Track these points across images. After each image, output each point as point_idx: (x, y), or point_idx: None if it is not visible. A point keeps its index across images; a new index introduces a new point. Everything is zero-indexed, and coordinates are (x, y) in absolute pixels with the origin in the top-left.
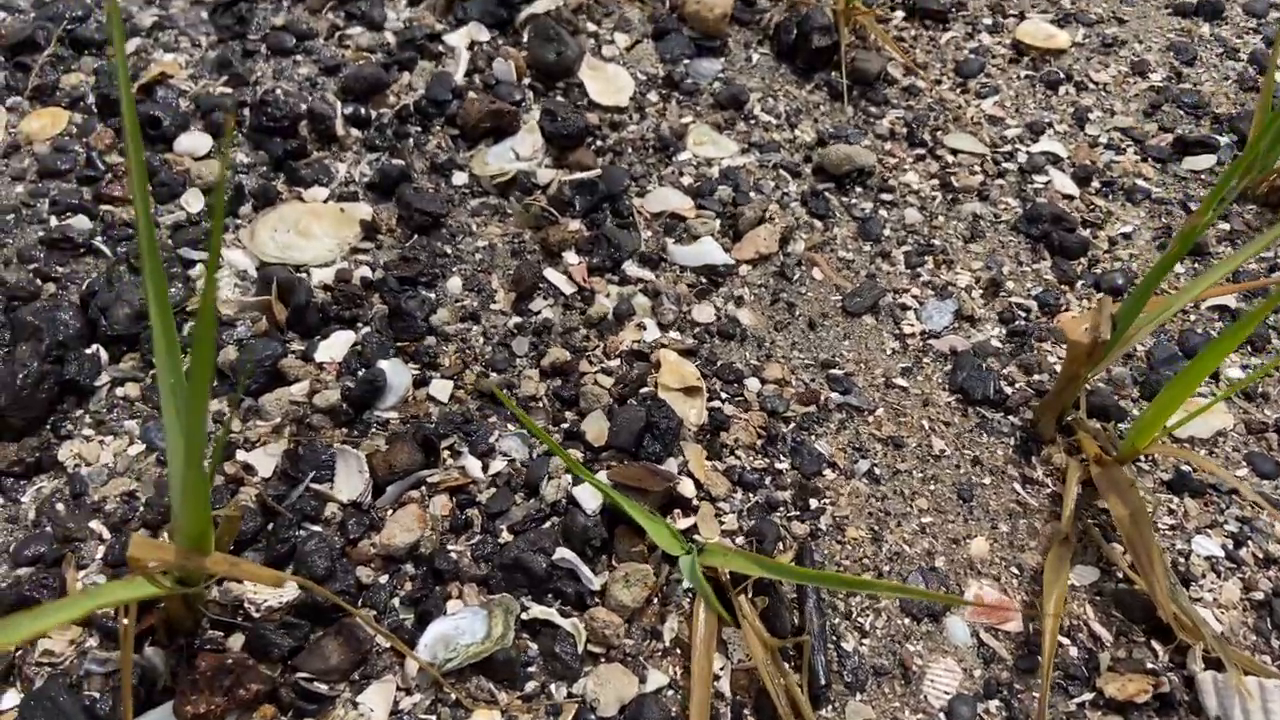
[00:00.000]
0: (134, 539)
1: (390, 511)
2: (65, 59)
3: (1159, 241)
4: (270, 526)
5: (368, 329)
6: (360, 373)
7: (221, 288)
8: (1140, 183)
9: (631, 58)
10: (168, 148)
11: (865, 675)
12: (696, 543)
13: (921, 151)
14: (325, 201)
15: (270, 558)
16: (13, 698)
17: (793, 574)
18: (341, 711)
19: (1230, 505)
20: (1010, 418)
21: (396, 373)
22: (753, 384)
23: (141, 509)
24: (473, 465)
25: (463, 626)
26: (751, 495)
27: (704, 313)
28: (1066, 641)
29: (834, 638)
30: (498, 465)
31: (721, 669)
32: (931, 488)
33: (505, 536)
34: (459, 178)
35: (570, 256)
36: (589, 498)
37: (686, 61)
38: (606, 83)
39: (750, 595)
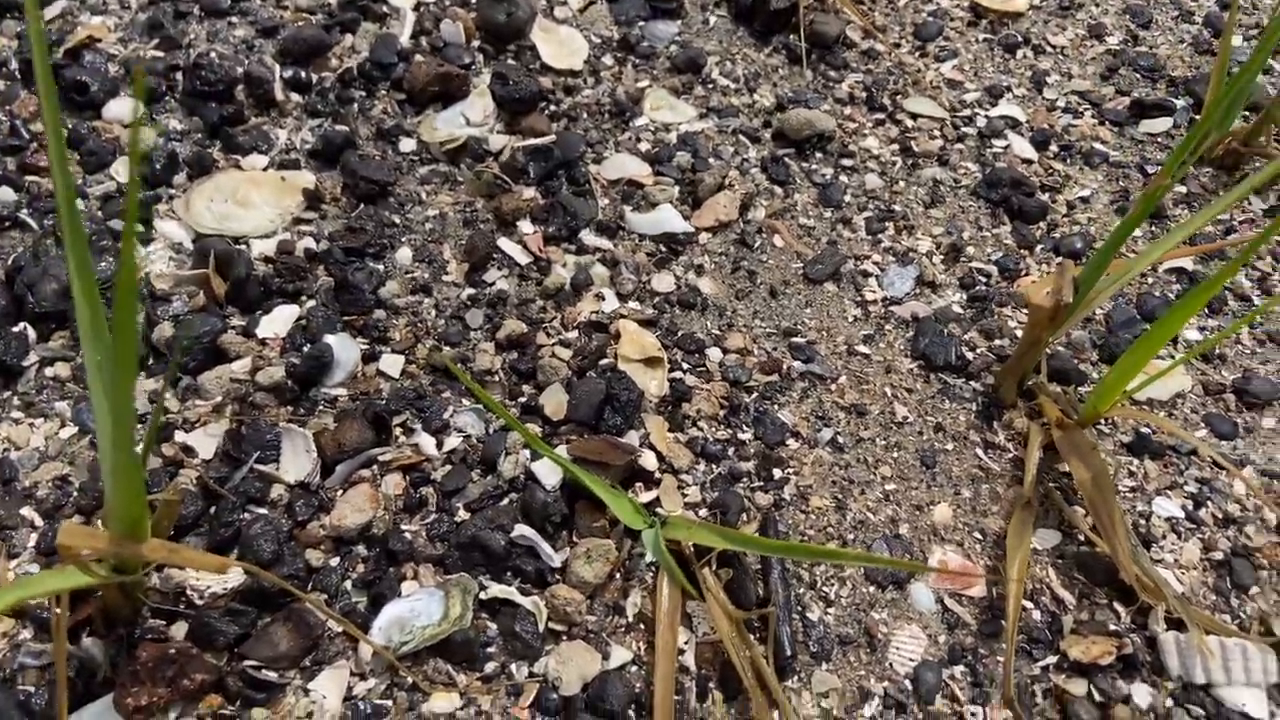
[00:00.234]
0: (64, 526)
1: (340, 492)
2: None
3: (1116, 205)
4: (213, 510)
5: (313, 303)
6: (305, 348)
7: (155, 261)
8: (1098, 146)
9: (585, 19)
10: (96, 115)
11: (830, 644)
12: (659, 516)
13: (881, 116)
14: (265, 170)
15: (213, 543)
16: None
17: (757, 545)
18: (292, 699)
19: (1189, 466)
20: (972, 383)
21: (344, 348)
22: (714, 354)
23: (75, 494)
24: (427, 442)
25: (418, 608)
26: (714, 466)
27: (664, 282)
28: (1030, 605)
29: (799, 608)
30: (453, 442)
31: (686, 643)
32: (895, 455)
33: (462, 515)
34: (407, 144)
35: (525, 225)
36: (548, 473)
37: (642, 24)
38: (560, 45)
39: (714, 568)
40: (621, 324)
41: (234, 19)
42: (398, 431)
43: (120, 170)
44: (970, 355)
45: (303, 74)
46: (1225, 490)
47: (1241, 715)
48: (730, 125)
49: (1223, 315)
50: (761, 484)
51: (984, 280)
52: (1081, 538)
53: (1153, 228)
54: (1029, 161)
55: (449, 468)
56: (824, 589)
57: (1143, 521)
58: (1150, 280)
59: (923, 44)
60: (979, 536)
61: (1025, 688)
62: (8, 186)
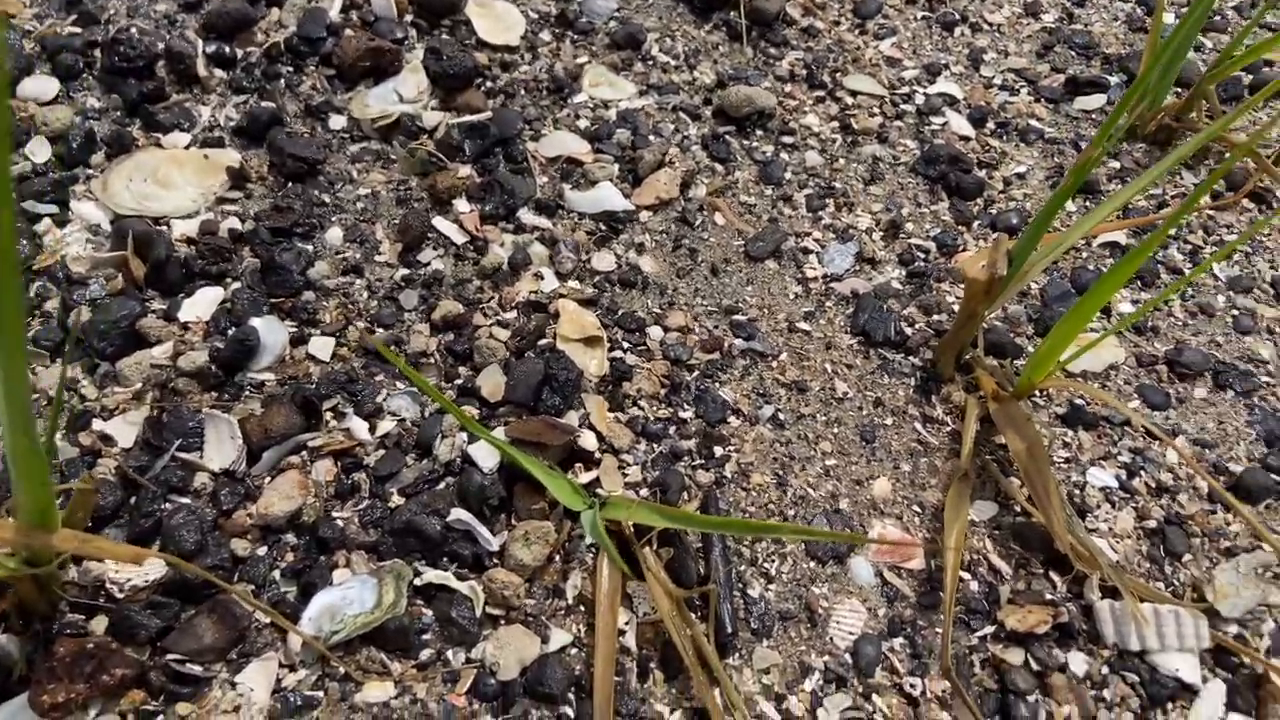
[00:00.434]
0: None
1: (268, 479)
2: None
3: (1051, 181)
4: (133, 501)
5: (238, 285)
6: (230, 332)
7: (71, 244)
8: (1033, 123)
9: None
10: (10, 93)
11: (771, 620)
12: (599, 496)
13: (821, 93)
14: (187, 148)
15: (134, 534)
16: None
17: (696, 522)
18: (219, 693)
19: (1123, 437)
20: (911, 358)
21: (271, 331)
22: (655, 332)
23: None
24: (359, 427)
25: (350, 596)
26: (655, 446)
27: (604, 261)
28: (967, 576)
29: (740, 585)
30: (386, 426)
31: (627, 623)
32: (835, 430)
33: (396, 500)
34: (337, 121)
35: (461, 204)
36: (485, 455)
37: None
38: (495, 20)
39: (655, 547)
40: (561, 303)
41: None
42: (328, 416)
43: (36, 150)
44: (909, 330)
45: (227, 49)
46: (1158, 460)
47: (1175, 680)
48: (671, 102)
49: (1155, 288)
50: (703, 462)
51: (922, 256)
52: (1018, 508)
53: (1087, 203)
54: (966, 138)
55: (382, 452)
56: (765, 565)
57: (1077, 491)
58: (1085, 254)
59: (862, 21)
60: (917, 509)
61: (963, 658)
62: None
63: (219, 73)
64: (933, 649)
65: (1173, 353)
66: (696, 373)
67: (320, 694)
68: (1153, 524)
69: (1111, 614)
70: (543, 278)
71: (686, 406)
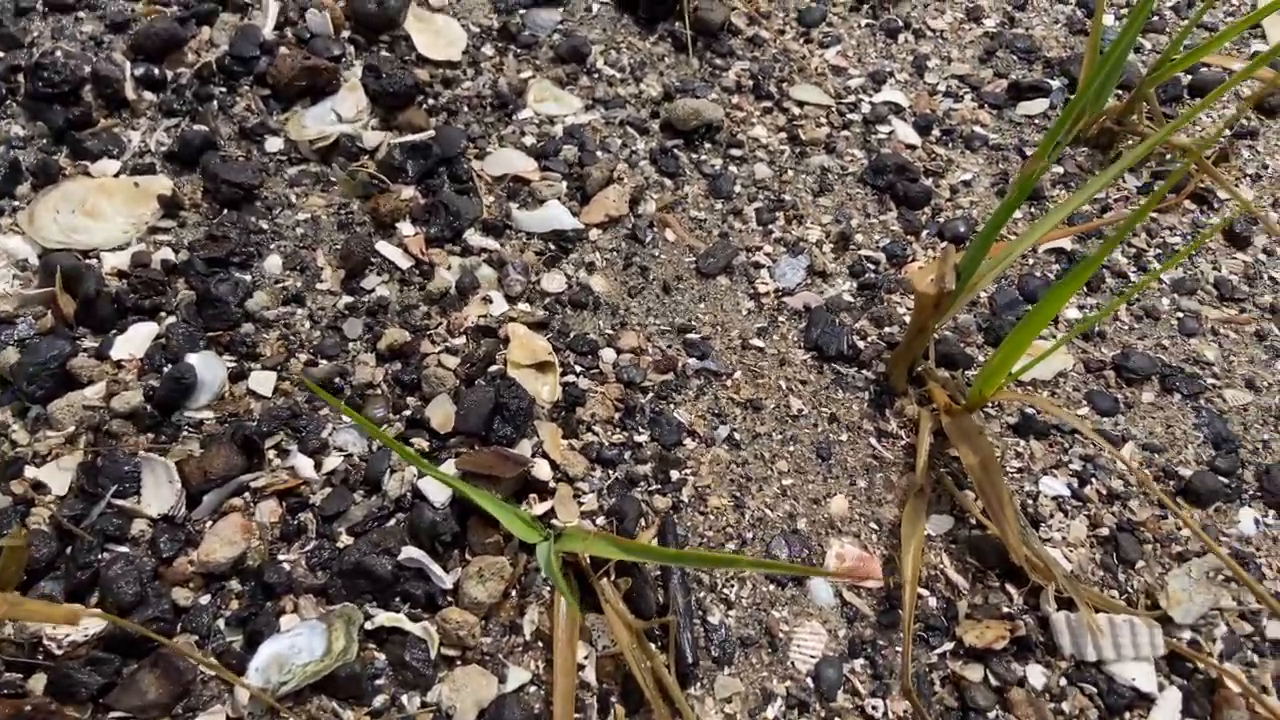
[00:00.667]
0: None
1: (209, 524)
2: None
3: (997, 187)
4: (69, 551)
5: (172, 319)
6: (165, 369)
7: None
8: (978, 130)
9: (462, 7)
10: None
11: (732, 647)
12: (554, 528)
13: (768, 104)
14: (116, 176)
15: (71, 586)
16: None
17: (654, 555)
18: None
19: (1074, 445)
20: (864, 372)
21: (208, 366)
22: (608, 354)
23: None
24: (303, 464)
25: (299, 644)
26: (611, 472)
27: (554, 281)
28: (925, 592)
29: (700, 612)
30: (333, 462)
31: (586, 658)
32: (791, 449)
33: (344, 540)
34: (273, 143)
35: (405, 227)
36: (436, 490)
37: (523, 11)
38: (436, 35)
39: (613, 577)
40: (511, 328)
41: (81, 14)
42: (271, 454)
43: None
44: (861, 344)
45: (156, 71)
46: (1109, 466)
47: (1132, 689)
48: (617, 116)
49: (1101, 293)
50: (659, 487)
51: (873, 267)
52: (974, 521)
53: (1032, 209)
54: (913, 147)
55: (329, 490)
56: (724, 591)
57: (1031, 501)
58: (1031, 261)
59: (806, 30)
60: (875, 526)
61: (924, 676)
62: None
63: (148, 95)
64: (893, 669)
65: (1120, 357)
66: (651, 395)
67: None
68: (1105, 531)
69: (1068, 625)
70: (491, 301)
71: (641, 430)
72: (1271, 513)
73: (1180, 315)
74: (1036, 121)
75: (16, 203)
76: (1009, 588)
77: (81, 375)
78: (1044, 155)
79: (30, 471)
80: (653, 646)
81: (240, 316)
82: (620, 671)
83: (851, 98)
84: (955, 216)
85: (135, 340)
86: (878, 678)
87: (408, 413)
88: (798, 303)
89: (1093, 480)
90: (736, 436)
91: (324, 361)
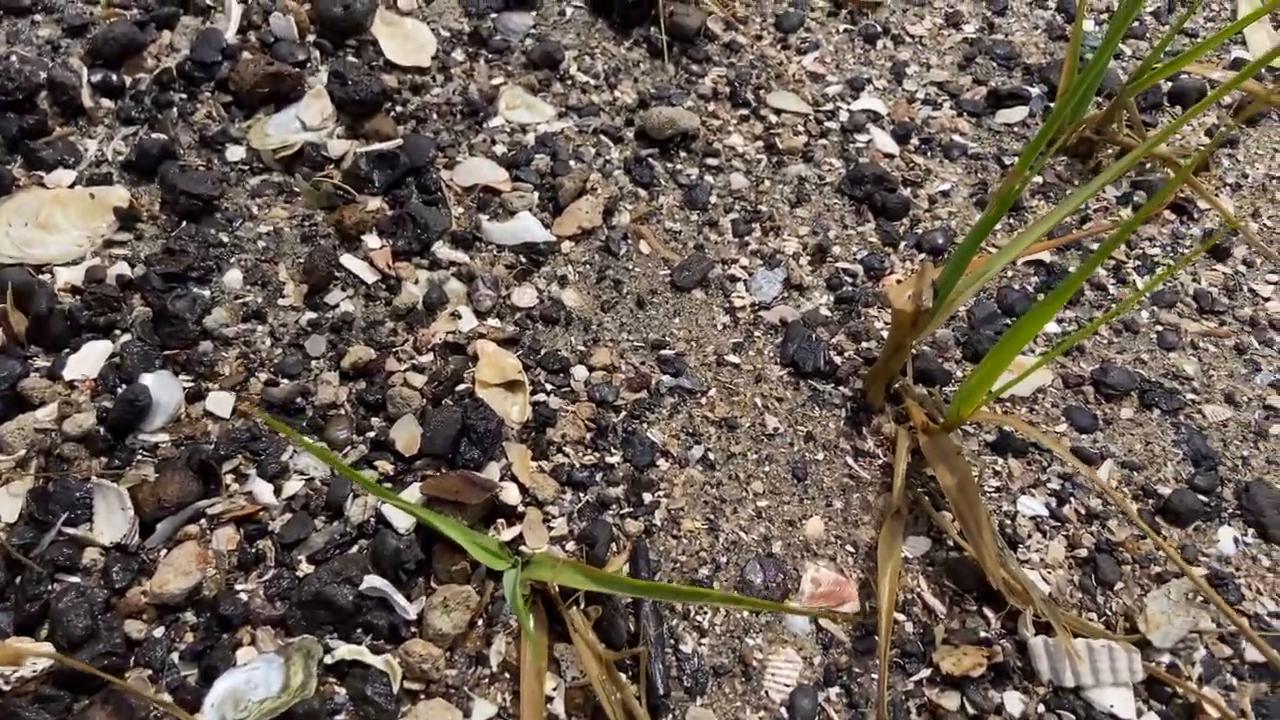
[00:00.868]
0: None
1: (163, 552)
2: None
3: (976, 198)
4: (18, 581)
5: (128, 337)
6: (120, 390)
7: None
8: (956, 138)
9: (432, 11)
10: None
11: (705, 677)
12: (522, 554)
13: (745, 112)
14: (72, 186)
15: (20, 619)
16: None
17: (622, 586)
18: None
19: (1052, 463)
20: (841, 388)
21: (164, 387)
22: (580, 372)
23: None
24: (262, 490)
25: (255, 679)
26: (582, 495)
27: (525, 296)
28: (902, 617)
29: (672, 641)
30: (293, 486)
31: (555, 690)
32: (766, 469)
33: (304, 568)
34: (235, 152)
35: (371, 240)
36: (400, 515)
37: (494, 16)
38: (405, 40)
39: (583, 605)
40: (480, 344)
41: (37, 17)
42: (229, 479)
43: None
44: (839, 360)
45: (114, 77)
46: (1087, 485)
47: (1110, 716)
48: (591, 125)
49: (1080, 305)
50: (631, 510)
51: (850, 280)
52: (951, 543)
53: (1010, 219)
54: (890, 156)
55: (289, 516)
56: (698, 618)
57: (1009, 521)
58: (1010, 274)
59: (784, 35)
60: (851, 549)
61: (900, 705)
62: None
63: (106, 103)
64: (869, 697)
65: (1098, 372)
66: (623, 414)
67: None
68: (1084, 552)
69: (1046, 650)
70: (460, 317)
71: (614, 451)
72: (1251, 531)
73: (1160, 328)
74: (1016, 130)
75: None
76: (987, 611)
77: (33, 396)
78: (1021, 172)
79: None
80: (623, 677)
81: (198, 334)
82: (590, 704)
83: (829, 105)
84: (934, 228)
85: (89, 360)
86: (853, 706)
87: (372, 434)
88: (774, 317)
89: (1071, 499)
90: (711, 456)
91: (285, 381)
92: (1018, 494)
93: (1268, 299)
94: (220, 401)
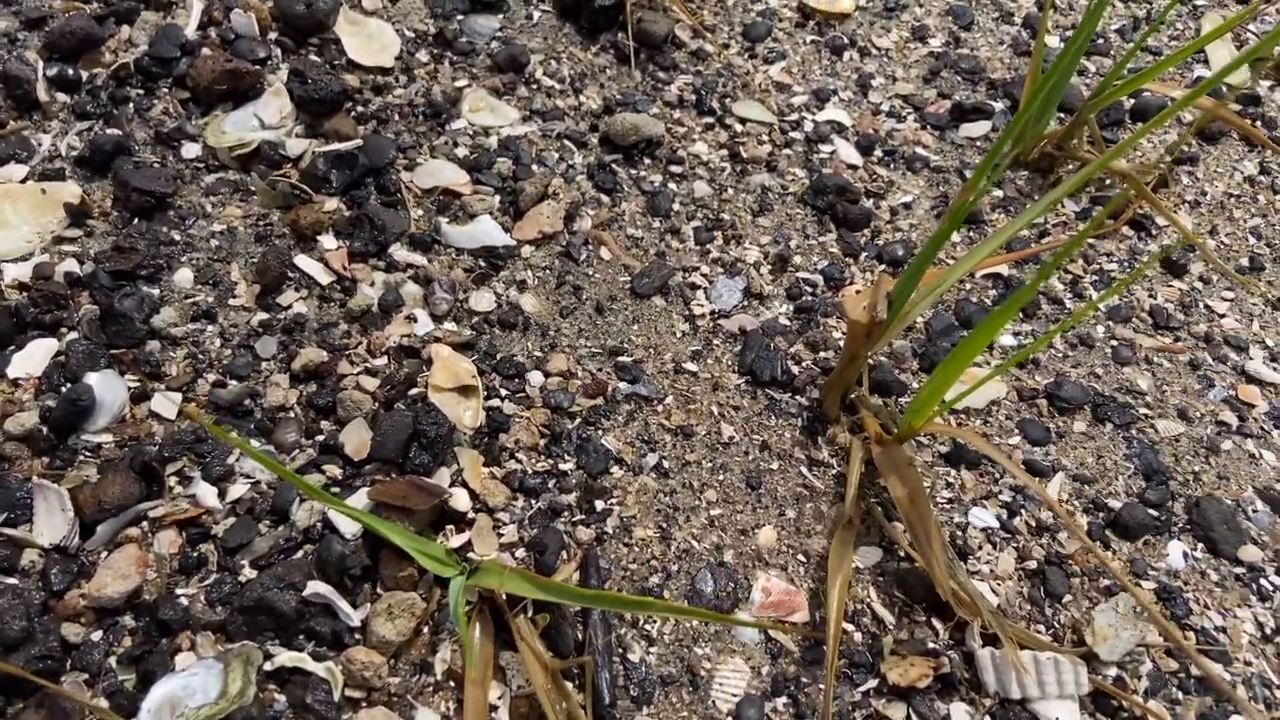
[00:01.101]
0: None
1: (103, 555)
2: None
3: (937, 211)
4: None
5: (74, 335)
6: (63, 389)
7: None
8: (920, 151)
9: (397, 12)
10: None
11: (652, 686)
12: (470, 561)
13: (710, 120)
14: (24, 181)
15: None
16: None
17: (569, 595)
18: None
19: (1004, 475)
20: (797, 398)
21: (109, 387)
22: (535, 378)
23: None
24: (206, 493)
25: (193, 684)
26: (533, 501)
27: (483, 300)
28: (851, 627)
29: (620, 649)
30: (238, 490)
31: (500, 699)
32: (720, 477)
33: (247, 573)
34: (190, 149)
35: (327, 240)
36: (348, 521)
37: (460, 18)
38: (368, 40)
39: (531, 613)
40: (435, 348)
41: None
42: (172, 481)
43: None
44: (796, 369)
45: (70, 71)
46: (1038, 498)
47: None
48: (555, 129)
49: (1037, 319)
50: (583, 517)
51: (810, 290)
52: (902, 554)
53: (971, 232)
54: (854, 167)
55: (233, 520)
56: (646, 627)
57: (960, 533)
58: (968, 286)
59: (752, 45)
60: (803, 559)
61: (846, 715)
62: None
63: (61, 97)
64: (816, 707)
65: (1053, 386)
66: (578, 420)
67: None
68: (1033, 564)
69: (992, 662)
70: (416, 320)
71: (567, 457)
72: (1200, 546)
73: (1115, 343)
74: (979, 144)
75: None
76: (935, 622)
77: None
78: (977, 183)
79: None
80: (570, 686)
81: (145, 333)
82: (536, 713)
83: (794, 115)
84: (894, 239)
85: (34, 358)
86: (800, 717)
87: (321, 438)
88: (733, 325)
89: (1022, 511)
90: (665, 464)
91: (234, 382)
92: (969, 505)
93: (1223, 315)
94: (166, 402)
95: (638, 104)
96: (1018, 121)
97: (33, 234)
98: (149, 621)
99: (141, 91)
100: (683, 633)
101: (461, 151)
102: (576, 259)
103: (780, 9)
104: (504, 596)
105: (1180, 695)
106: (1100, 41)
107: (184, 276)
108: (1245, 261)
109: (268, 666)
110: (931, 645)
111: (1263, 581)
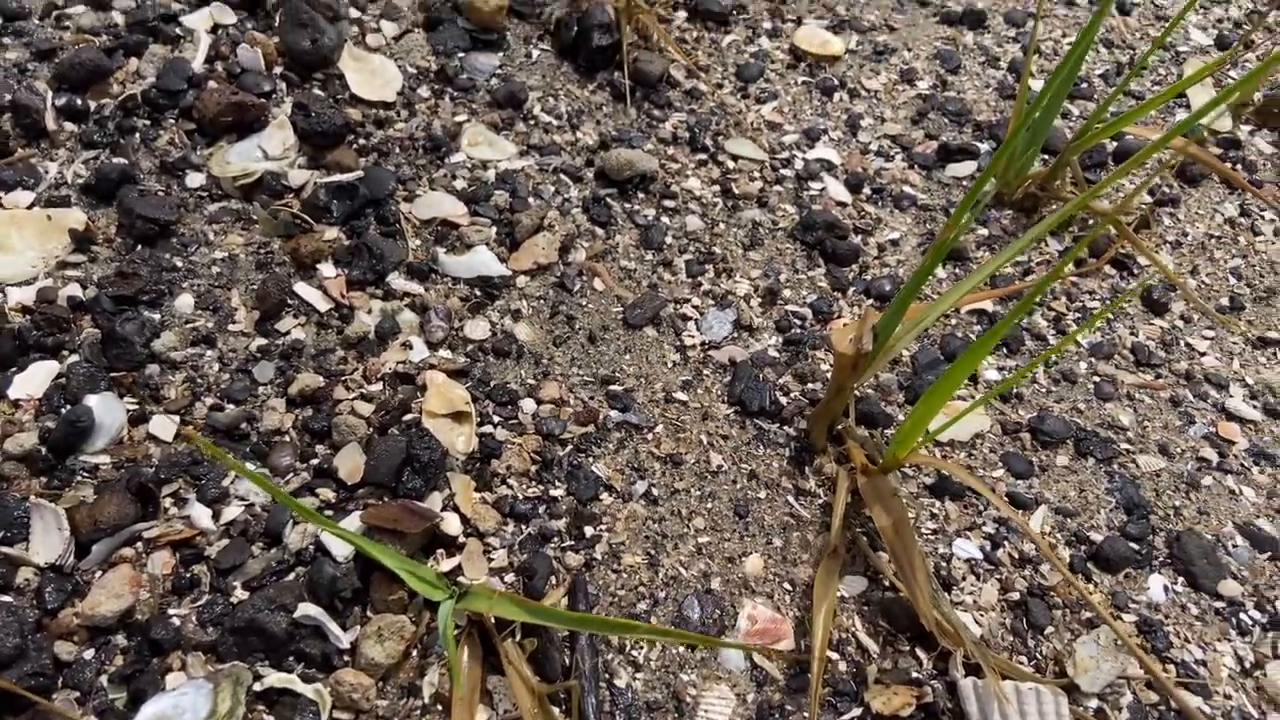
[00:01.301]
0: None
1: (98, 574)
2: None
3: (923, 247)
4: None
5: (75, 358)
6: (63, 410)
7: None
8: (907, 189)
9: (400, 48)
10: None
11: (638, 712)
12: (460, 585)
13: (703, 157)
14: (30, 208)
15: None
16: None
17: (557, 618)
18: None
19: (987, 507)
20: (786, 428)
21: (108, 409)
22: (528, 405)
23: None
24: (200, 514)
25: (183, 704)
26: (524, 527)
27: (478, 329)
28: (836, 656)
29: (606, 675)
30: (232, 512)
31: None
32: (709, 505)
33: (239, 595)
34: (194, 179)
35: (326, 268)
36: (339, 543)
37: (461, 55)
38: (371, 75)
39: (519, 638)
40: (430, 375)
41: (6, 40)
42: (168, 503)
43: None
44: (784, 400)
45: (79, 101)
46: (1021, 530)
47: None
48: (551, 163)
49: (1021, 355)
50: (573, 543)
51: (799, 323)
52: (887, 583)
53: (956, 270)
54: (843, 204)
55: (226, 542)
56: (633, 652)
57: (944, 564)
58: (954, 321)
59: (744, 85)
60: (789, 587)
61: None
62: None
63: (69, 126)
64: None
65: (1036, 420)
66: (570, 447)
67: None
68: (1016, 596)
69: (975, 692)
70: (411, 347)
71: (558, 484)
72: (1181, 580)
73: (1097, 379)
74: (964, 183)
75: None
76: (919, 652)
77: None
78: (959, 219)
79: None
80: (556, 711)
81: (145, 357)
82: None
83: (785, 153)
84: (882, 274)
85: (35, 379)
86: None
87: (316, 461)
88: (723, 356)
89: (1005, 543)
90: (655, 492)
91: (231, 406)
92: (954, 536)
93: (1203, 354)
94: (164, 425)
95: (633, 140)
96: (1000, 156)
97: (37, 259)
98: (141, 641)
99: (148, 122)
100: (669, 659)
101: (460, 184)
102: (570, 290)
103: (773, 51)
104: (493, 620)
105: None
106: (1084, 86)
107: (185, 302)
108: (1226, 301)
109: (257, 687)
110: (915, 674)
111: (1242, 616)
